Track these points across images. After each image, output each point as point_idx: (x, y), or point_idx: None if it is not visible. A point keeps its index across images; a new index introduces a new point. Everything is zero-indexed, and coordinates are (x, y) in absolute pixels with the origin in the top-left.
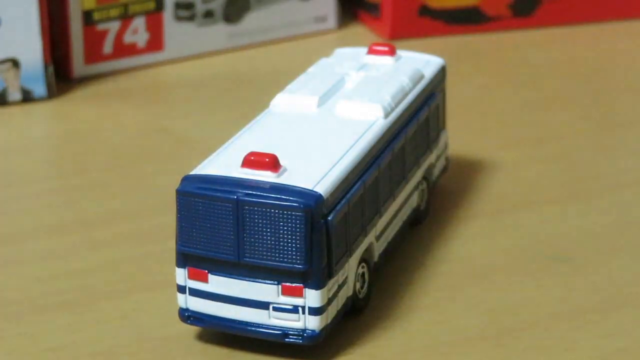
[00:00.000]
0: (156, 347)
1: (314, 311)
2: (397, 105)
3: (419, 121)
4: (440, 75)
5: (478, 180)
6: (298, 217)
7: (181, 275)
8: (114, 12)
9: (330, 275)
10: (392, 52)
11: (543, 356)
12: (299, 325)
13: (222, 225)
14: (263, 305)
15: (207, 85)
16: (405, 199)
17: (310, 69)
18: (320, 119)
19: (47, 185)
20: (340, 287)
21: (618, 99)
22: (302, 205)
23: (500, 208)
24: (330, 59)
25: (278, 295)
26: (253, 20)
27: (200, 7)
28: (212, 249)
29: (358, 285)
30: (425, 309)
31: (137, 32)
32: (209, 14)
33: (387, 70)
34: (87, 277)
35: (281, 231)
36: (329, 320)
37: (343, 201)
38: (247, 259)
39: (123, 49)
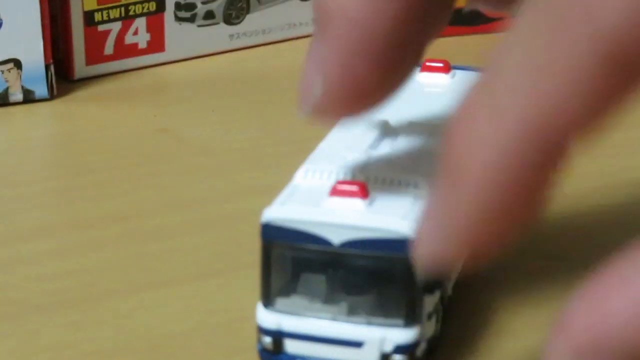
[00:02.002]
0: (156, 347)
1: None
2: None
3: None
4: None
5: None
6: None
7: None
8: (114, 13)
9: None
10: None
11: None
12: None
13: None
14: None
15: (207, 86)
16: None
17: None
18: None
19: (48, 186)
20: None
21: None
22: None
23: None
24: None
25: None
26: (254, 21)
27: (200, 8)
28: None
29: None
30: None
31: (138, 33)
32: (209, 15)
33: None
34: (87, 277)
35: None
36: None
37: None
38: None
39: (124, 50)
